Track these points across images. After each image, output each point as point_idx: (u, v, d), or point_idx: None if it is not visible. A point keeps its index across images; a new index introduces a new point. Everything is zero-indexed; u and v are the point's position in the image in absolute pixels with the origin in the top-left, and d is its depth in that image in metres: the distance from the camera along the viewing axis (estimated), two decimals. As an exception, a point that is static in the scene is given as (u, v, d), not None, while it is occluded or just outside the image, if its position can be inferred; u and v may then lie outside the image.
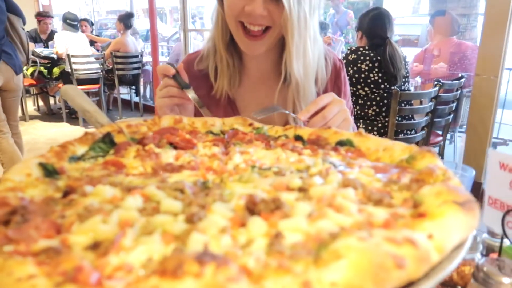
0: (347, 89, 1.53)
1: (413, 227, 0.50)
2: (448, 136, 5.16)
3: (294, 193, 0.68)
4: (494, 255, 0.95)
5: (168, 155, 0.87)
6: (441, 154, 4.24)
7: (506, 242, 0.90)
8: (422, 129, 3.66)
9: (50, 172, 0.77)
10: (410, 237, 0.46)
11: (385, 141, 0.91)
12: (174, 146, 0.95)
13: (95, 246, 0.52)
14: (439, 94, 3.64)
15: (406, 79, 3.58)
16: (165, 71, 1.19)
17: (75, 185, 0.71)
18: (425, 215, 0.53)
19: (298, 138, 1.03)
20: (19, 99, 4.06)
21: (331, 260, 0.44)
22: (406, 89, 3.58)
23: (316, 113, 1.12)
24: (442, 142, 4.18)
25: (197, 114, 1.32)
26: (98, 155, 0.87)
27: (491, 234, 1.00)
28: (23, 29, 3.78)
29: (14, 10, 3.62)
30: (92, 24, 9.33)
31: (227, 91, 1.39)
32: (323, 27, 6.21)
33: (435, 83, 3.65)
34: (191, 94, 1.24)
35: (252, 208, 0.61)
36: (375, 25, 3.51)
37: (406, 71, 3.53)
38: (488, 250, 1.00)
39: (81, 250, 0.51)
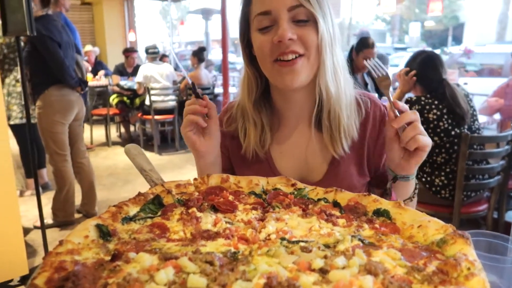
0: None
1: (415, 336, 0.51)
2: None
3: (314, 275, 0.71)
4: None
5: (208, 220, 0.95)
6: (522, 200, 3.87)
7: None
8: (498, 173, 3.38)
9: (104, 233, 0.88)
10: None
11: (422, 216, 0.91)
12: (216, 208, 1.03)
13: (125, 320, 0.60)
14: (518, 136, 3.36)
15: (474, 118, 3.35)
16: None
17: (121, 250, 0.81)
18: (431, 322, 0.54)
19: (336, 204, 1.06)
20: (82, 126, 4.58)
21: None
22: (477, 127, 3.35)
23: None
24: (523, 188, 3.81)
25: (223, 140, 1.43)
26: (147, 216, 0.98)
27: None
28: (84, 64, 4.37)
29: (78, 49, 4.19)
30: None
31: (255, 149, 1.42)
32: (384, 61, 5.99)
33: (513, 124, 3.39)
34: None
35: (269, 291, 0.65)
36: (426, 69, 3.28)
37: (472, 109, 3.30)
38: None
39: (114, 323, 0.60)
